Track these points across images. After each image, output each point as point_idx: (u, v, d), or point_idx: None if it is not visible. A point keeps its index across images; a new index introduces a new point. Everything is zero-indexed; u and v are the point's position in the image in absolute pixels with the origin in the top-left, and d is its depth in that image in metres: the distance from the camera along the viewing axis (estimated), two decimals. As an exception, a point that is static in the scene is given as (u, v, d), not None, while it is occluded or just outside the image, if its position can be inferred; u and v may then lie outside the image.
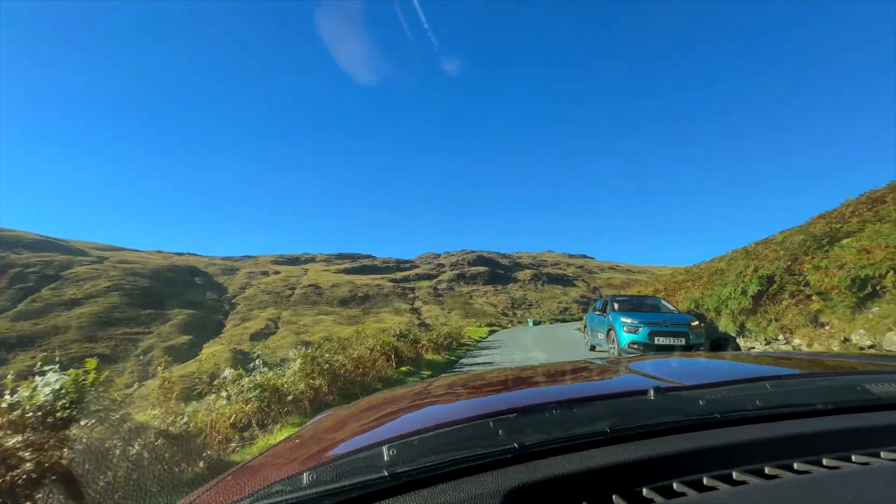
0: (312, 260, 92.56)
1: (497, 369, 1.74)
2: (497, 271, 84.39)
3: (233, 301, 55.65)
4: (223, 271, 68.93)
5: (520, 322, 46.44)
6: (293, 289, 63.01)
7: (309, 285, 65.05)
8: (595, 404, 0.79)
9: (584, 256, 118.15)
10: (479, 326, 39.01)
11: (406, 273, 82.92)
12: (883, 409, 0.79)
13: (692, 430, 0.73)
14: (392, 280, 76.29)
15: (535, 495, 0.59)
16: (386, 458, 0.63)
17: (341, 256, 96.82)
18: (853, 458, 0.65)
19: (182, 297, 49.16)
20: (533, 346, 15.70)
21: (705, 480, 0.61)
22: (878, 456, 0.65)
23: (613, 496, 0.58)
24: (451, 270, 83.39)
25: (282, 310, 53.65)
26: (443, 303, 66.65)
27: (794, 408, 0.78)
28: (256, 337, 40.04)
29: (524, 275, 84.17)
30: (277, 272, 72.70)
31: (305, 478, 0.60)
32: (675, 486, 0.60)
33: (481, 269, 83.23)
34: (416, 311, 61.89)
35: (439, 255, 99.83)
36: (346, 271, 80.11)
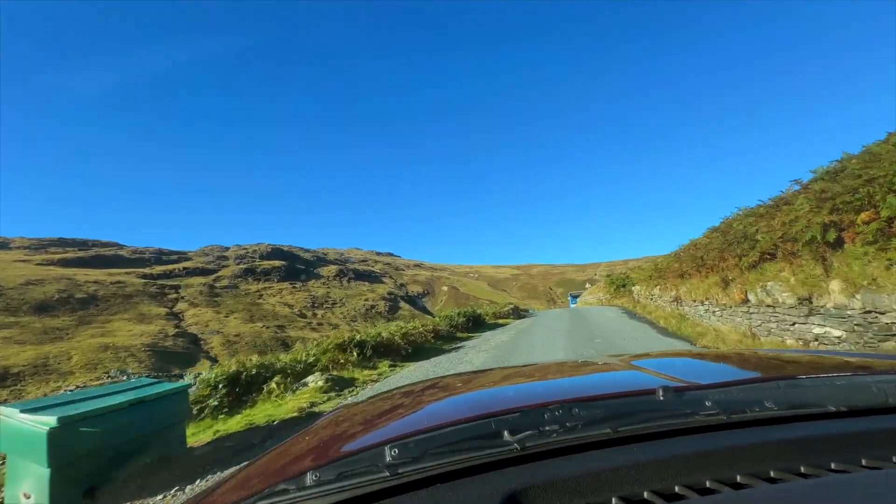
0: (5, 246, 61.46)
1: (500, 367, 1.66)
2: (297, 266, 74.10)
3: None
4: None
5: (315, 320, 37.09)
6: (-65, 288, 38.48)
7: (-25, 283, 41.11)
8: (600, 404, 0.75)
9: (391, 254, 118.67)
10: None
11: (170, 267, 63.61)
12: None
13: (699, 431, 0.71)
14: (145, 276, 56.76)
15: (535, 497, 0.58)
16: (387, 457, 0.63)
17: (62, 242, 67.55)
18: (863, 461, 0.62)
19: None
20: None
21: (708, 484, 0.59)
22: (889, 460, 0.62)
23: (613, 499, 0.57)
24: (238, 264, 68.52)
25: None
26: (220, 304, 52.92)
27: (806, 409, 0.75)
28: None
29: (328, 271, 76.69)
30: None
31: (309, 478, 0.61)
32: (676, 489, 0.59)
33: (277, 263, 71.35)
34: (176, 315, 46.73)
35: (227, 248, 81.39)
36: (65, 263, 55.52)
